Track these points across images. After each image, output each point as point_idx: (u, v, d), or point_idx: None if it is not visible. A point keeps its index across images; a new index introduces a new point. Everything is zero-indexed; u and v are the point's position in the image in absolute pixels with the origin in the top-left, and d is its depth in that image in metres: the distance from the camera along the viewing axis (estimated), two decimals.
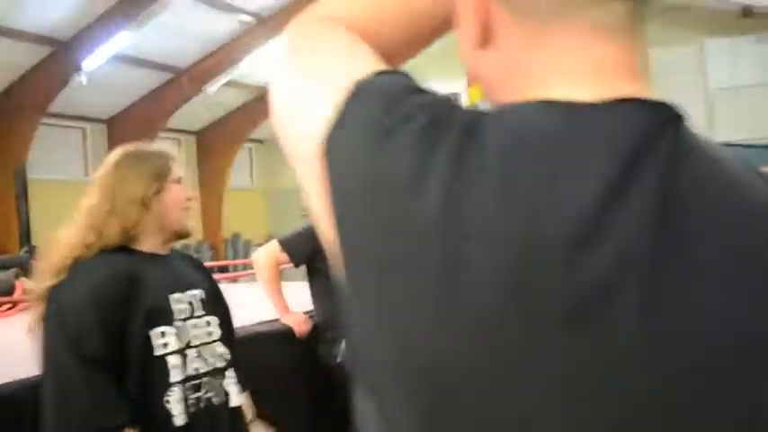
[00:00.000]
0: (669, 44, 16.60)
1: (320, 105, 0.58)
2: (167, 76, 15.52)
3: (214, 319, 1.96)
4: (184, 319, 1.86)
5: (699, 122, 12.48)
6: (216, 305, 2.01)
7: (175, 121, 16.72)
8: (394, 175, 0.51)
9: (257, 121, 18.72)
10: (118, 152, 1.95)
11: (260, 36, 14.91)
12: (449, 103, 0.55)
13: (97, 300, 1.72)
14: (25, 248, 9.20)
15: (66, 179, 15.10)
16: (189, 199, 1.98)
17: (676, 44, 16.49)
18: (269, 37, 14.94)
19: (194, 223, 2.05)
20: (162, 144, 2.07)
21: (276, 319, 3.39)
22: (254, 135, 19.50)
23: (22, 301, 5.60)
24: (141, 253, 1.87)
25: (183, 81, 15.54)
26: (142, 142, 2.08)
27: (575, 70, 0.56)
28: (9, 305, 5.58)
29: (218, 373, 1.91)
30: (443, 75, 18.62)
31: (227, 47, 15.19)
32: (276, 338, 3.27)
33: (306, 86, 0.63)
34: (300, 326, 3.29)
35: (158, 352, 1.78)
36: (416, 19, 0.68)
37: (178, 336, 1.83)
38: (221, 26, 14.63)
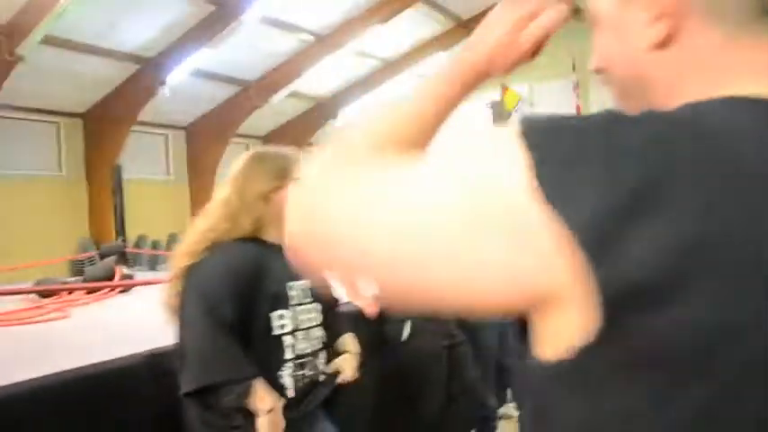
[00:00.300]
0: None
1: (495, 166, 0.49)
2: (237, 88, 15.68)
3: (318, 306, 1.97)
4: (296, 305, 1.88)
5: None
6: (320, 293, 2.00)
7: (244, 127, 16.88)
8: (644, 194, 0.46)
9: (315, 128, 18.83)
10: (249, 152, 1.99)
11: (318, 52, 14.97)
12: (620, 114, 0.51)
13: (233, 276, 1.77)
14: (121, 238, 9.37)
15: (150, 178, 15.38)
16: None
17: None
18: (326, 53, 14.99)
19: None
20: (286, 148, 2.03)
21: (347, 302, 3.38)
22: (313, 140, 19.62)
23: (120, 286, 5.70)
24: (267, 243, 1.88)
25: (251, 93, 15.68)
26: (270, 147, 2.14)
27: (765, 68, 0.55)
28: (110, 288, 5.65)
29: (316, 354, 1.93)
30: (480, 87, 18.45)
31: (290, 62, 15.27)
32: (347, 318, 3.24)
33: (454, 171, 0.52)
34: (370, 307, 3.25)
35: (276, 332, 1.82)
36: (449, 111, 0.67)
37: (293, 319, 1.86)
38: (284, 44, 14.71)
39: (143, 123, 14.84)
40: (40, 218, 13.07)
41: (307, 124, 18.53)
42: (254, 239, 1.87)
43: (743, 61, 0.55)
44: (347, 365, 2.10)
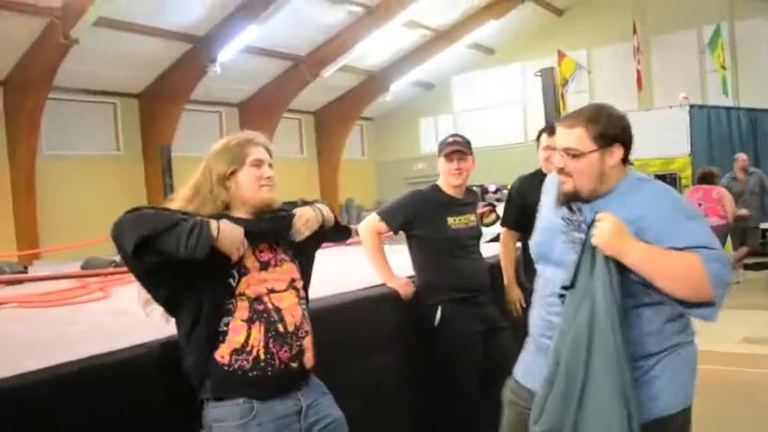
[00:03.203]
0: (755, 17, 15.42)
1: None
2: (288, 63, 15.65)
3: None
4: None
5: None
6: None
7: (296, 103, 16.89)
8: None
9: (367, 101, 18.69)
10: (217, 142, 2.19)
11: (368, 24, 14.77)
12: None
13: None
14: None
15: (204, 156, 15.55)
16: (268, 177, 2.10)
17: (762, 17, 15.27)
18: (376, 25, 14.77)
19: (273, 195, 2.15)
20: (251, 133, 2.21)
21: (383, 284, 3.27)
22: (364, 114, 19.50)
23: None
24: (234, 217, 2.04)
25: (302, 68, 15.63)
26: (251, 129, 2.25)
27: None
28: None
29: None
30: (536, 53, 17.87)
31: (340, 35, 15.13)
32: (382, 302, 3.15)
33: None
34: (405, 289, 3.16)
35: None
36: None
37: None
38: (334, 16, 14.56)
39: (196, 102, 15.01)
40: (99, 197, 13.40)
41: (358, 98, 18.42)
42: (226, 216, 2.02)
43: None
44: (306, 210, 2.20)
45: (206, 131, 16.04)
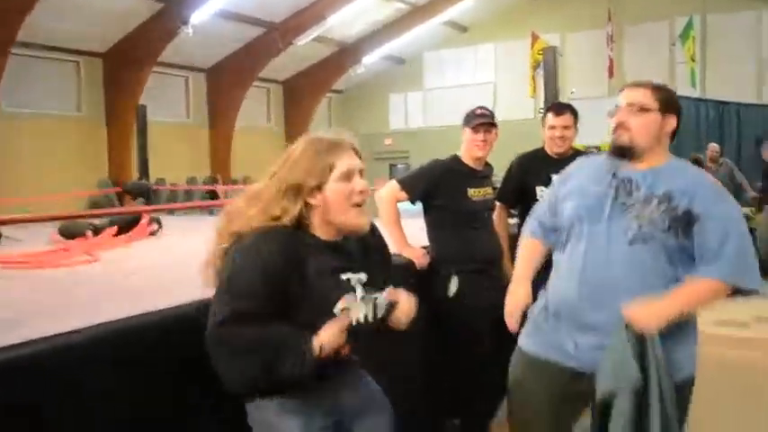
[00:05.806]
0: (727, 11, 15.71)
1: None
2: (261, 30, 15.34)
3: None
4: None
5: (750, 84, 11.65)
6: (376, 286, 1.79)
7: (266, 71, 16.61)
8: None
9: (338, 73, 18.50)
10: (299, 141, 1.79)
11: None
12: None
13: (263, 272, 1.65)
14: (143, 179, 9.34)
15: (169, 121, 15.24)
16: (360, 192, 1.74)
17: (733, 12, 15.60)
18: None
19: (366, 220, 1.78)
20: (337, 133, 1.81)
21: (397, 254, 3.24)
22: (334, 86, 19.30)
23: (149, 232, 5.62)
24: (314, 237, 1.74)
25: (275, 35, 15.35)
26: (322, 133, 1.83)
27: None
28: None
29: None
30: (509, 34, 17.89)
31: (316, 3, 14.88)
32: (396, 271, 3.11)
33: None
34: (420, 259, 3.14)
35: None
36: None
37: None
38: None
39: (164, 64, 14.61)
40: (58, 158, 13.00)
41: (329, 69, 18.21)
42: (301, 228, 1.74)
43: None
44: (401, 293, 1.82)
45: (171, 96, 15.69)
